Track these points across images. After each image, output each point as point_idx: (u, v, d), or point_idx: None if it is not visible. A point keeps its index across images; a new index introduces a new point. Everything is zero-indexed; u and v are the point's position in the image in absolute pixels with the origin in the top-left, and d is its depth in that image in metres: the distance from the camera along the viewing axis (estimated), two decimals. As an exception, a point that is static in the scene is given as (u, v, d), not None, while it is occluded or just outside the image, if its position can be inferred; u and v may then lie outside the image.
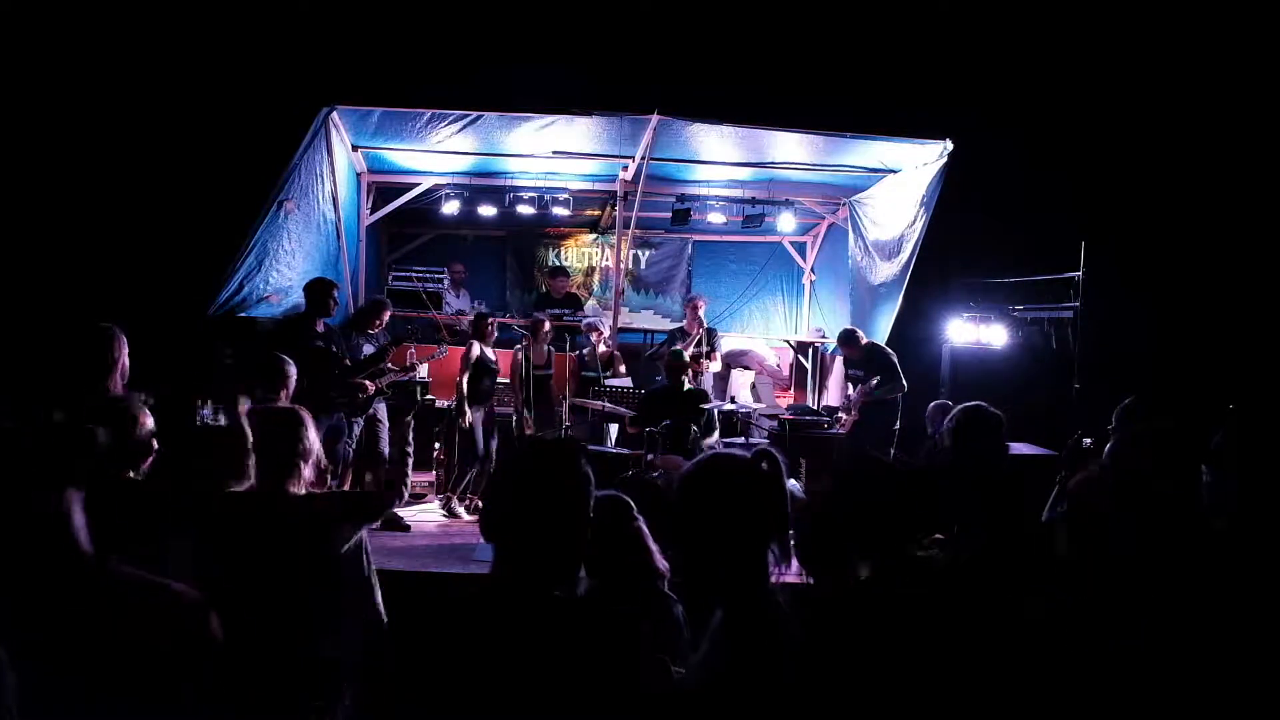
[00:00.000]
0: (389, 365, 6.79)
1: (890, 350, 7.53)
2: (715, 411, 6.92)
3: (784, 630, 1.72)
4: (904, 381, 7.27)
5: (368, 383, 6.49)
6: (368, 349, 6.68)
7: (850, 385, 7.76)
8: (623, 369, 8.33)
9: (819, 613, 1.88)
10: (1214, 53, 8.15)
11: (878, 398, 7.24)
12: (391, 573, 5.53)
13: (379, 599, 2.91)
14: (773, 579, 1.79)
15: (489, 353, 7.43)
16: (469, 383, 7.22)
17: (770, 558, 1.79)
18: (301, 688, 2.53)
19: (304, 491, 2.77)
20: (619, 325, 9.10)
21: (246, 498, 2.69)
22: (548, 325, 7.86)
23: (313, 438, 2.82)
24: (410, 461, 7.35)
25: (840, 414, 7.71)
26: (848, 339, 7.55)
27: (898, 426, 7.31)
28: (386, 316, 6.95)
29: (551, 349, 7.94)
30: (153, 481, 2.65)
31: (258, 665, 2.33)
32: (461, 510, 7.32)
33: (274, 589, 2.53)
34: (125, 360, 3.52)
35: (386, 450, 6.95)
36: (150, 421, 2.67)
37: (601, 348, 8.22)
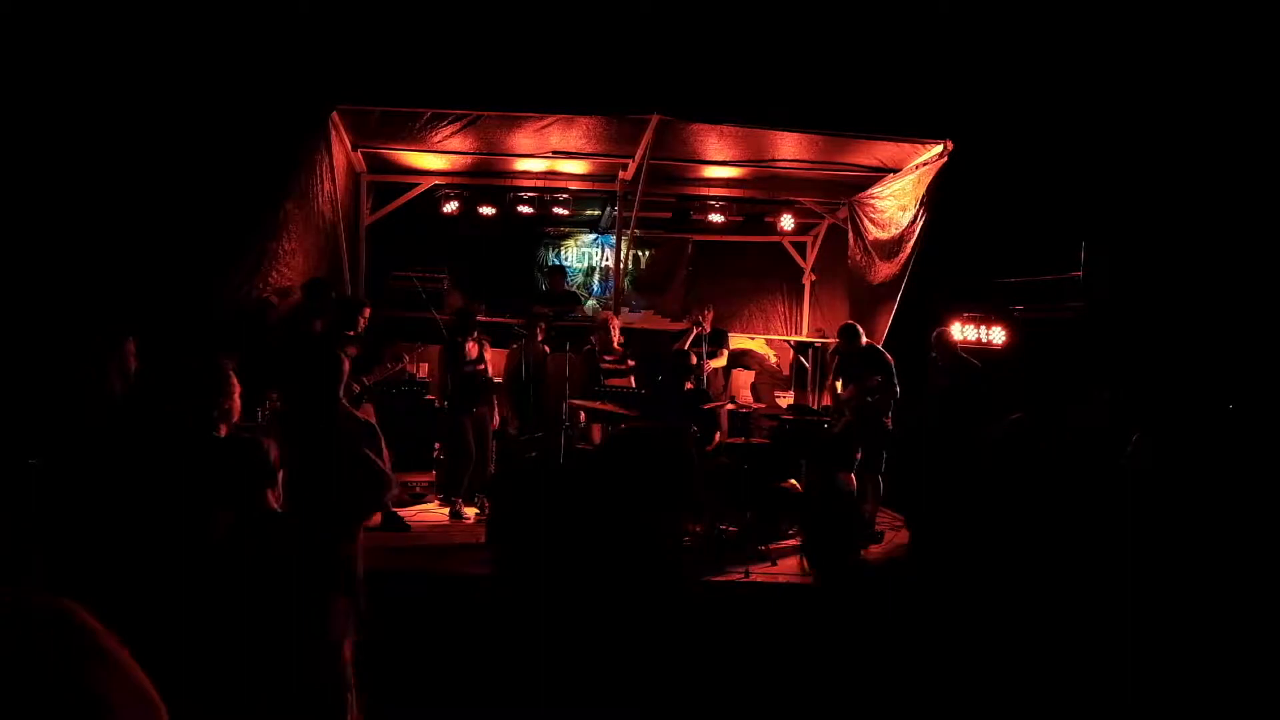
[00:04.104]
0: (387, 364, 6.83)
1: (887, 354, 7.54)
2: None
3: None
4: (898, 387, 7.30)
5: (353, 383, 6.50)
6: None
7: (839, 383, 7.75)
8: (630, 363, 8.21)
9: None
10: (1214, 51, 8.15)
11: (871, 400, 7.26)
12: (392, 573, 5.55)
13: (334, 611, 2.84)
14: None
15: (470, 350, 7.39)
16: (452, 381, 7.22)
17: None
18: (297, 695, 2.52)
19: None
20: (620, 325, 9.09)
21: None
22: (546, 319, 7.79)
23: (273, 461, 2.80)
24: None
25: (834, 414, 7.72)
26: (849, 335, 7.55)
27: (890, 428, 7.35)
28: (367, 315, 6.92)
29: (547, 348, 7.84)
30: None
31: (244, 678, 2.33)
32: (464, 510, 7.31)
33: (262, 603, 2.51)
34: (128, 359, 3.54)
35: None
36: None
37: (616, 343, 8.06)
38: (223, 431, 3.26)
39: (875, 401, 7.22)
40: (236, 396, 3.33)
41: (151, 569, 2.46)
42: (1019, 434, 6.02)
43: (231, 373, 3.34)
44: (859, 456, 6.92)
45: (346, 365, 4.33)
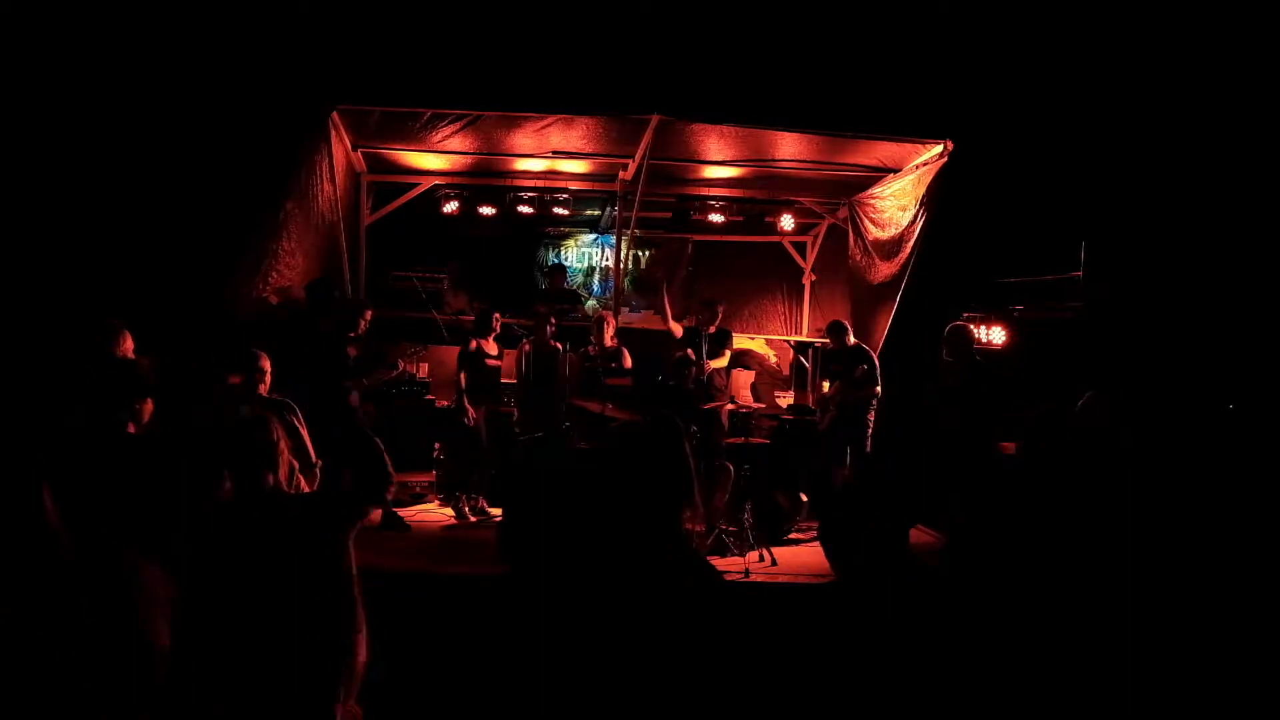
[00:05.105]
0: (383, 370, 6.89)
1: (872, 352, 7.61)
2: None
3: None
4: (879, 386, 7.36)
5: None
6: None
7: (825, 381, 7.77)
8: (629, 364, 8.15)
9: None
10: (1214, 51, 8.16)
11: (855, 398, 7.32)
12: (392, 573, 5.55)
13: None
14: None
15: (490, 348, 7.42)
16: (468, 379, 7.23)
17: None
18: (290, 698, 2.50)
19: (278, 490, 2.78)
20: (619, 325, 9.07)
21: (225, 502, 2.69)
22: (554, 318, 7.75)
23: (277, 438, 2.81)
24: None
25: (819, 412, 7.79)
26: (837, 330, 7.63)
27: (871, 431, 7.39)
28: (369, 317, 6.91)
29: (559, 345, 7.74)
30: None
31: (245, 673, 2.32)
32: (466, 510, 7.30)
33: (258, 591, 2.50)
34: (128, 354, 3.55)
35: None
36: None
37: (609, 340, 8.01)
38: (130, 429, 3.28)
39: (857, 397, 7.30)
40: (149, 400, 3.36)
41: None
42: (1041, 427, 6.00)
43: (150, 375, 3.38)
44: (849, 452, 6.98)
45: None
